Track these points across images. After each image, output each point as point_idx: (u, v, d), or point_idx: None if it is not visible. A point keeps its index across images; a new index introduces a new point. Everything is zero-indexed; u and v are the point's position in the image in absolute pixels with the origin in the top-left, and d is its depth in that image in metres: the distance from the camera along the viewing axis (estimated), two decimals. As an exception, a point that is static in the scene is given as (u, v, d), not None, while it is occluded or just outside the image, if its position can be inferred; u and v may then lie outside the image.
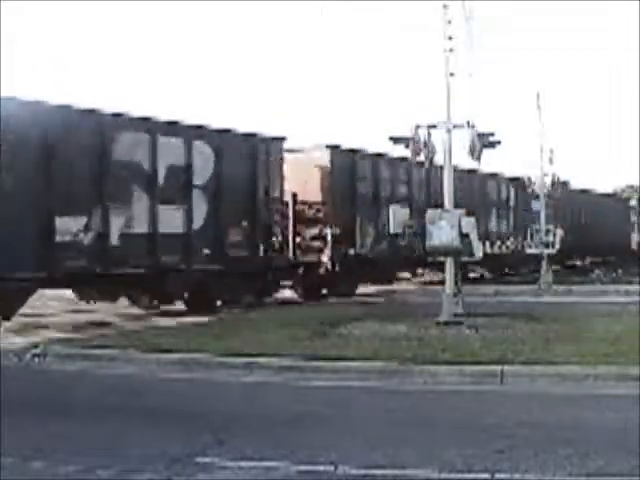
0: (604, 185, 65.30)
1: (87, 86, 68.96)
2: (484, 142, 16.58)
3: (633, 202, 55.72)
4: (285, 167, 22.10)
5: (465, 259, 17.18)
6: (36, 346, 13.59)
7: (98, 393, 10.58)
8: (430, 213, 16.70)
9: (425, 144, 16.70)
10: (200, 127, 19.93)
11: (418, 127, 16.69)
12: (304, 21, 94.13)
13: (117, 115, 18.02)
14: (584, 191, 44.09)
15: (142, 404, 9.76)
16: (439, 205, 17.21)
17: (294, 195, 22.68)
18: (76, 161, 16.92)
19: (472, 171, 28.55)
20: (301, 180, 23.02)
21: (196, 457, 7.03)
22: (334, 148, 24.26)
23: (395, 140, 16.92)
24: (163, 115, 19.36)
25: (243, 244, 20.69)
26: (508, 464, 6.71)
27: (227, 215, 20.17)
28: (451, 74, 16.47)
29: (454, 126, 16.62)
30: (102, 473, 6.61)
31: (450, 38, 16.51)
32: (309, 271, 23.57)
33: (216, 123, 20.46)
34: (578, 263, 43.31)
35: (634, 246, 50.69)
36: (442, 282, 17.04)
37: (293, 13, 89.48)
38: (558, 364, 10.97)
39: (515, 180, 34.15)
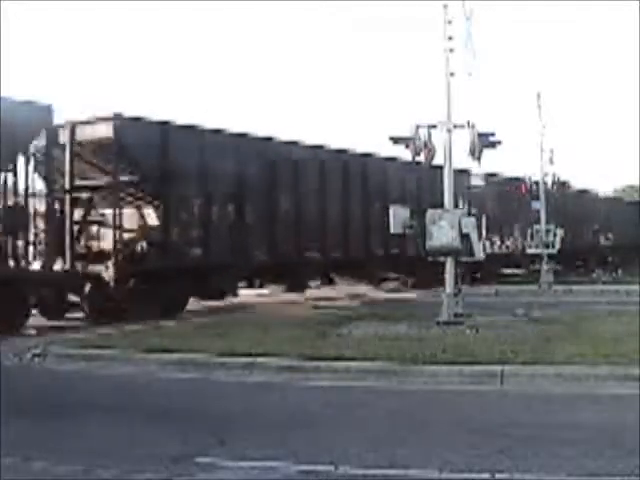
0: (604, 185, 65.34)
1: (86, 86, 69.02)
2: (484, 142, 16.58)
3: None
4: None
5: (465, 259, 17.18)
6: (36, 346, 13.59)
7: (98, 393, 10.58)
8: (430, 213, 16.68)
9: (425, 144, 16.70)
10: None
11: (418, 127, 16.70)
12: (304, 21, 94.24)
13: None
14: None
15: (142, 404, 9.77)
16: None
17: None
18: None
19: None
20: None
21: (196, 457, 7.03)
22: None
23: (395, 140, 16.92)
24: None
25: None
26: (508, 464, 6.70)
27: None
28: (451, 74, 16.47)
29: (454, 126, 16.63)
30: (102, 473, 6.61)
31: (450, 38, 16.52)
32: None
33: (216, 123, 20.87)
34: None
35: None
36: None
37: (293, 13, 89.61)
38: (558, 364, 10.94)
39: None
